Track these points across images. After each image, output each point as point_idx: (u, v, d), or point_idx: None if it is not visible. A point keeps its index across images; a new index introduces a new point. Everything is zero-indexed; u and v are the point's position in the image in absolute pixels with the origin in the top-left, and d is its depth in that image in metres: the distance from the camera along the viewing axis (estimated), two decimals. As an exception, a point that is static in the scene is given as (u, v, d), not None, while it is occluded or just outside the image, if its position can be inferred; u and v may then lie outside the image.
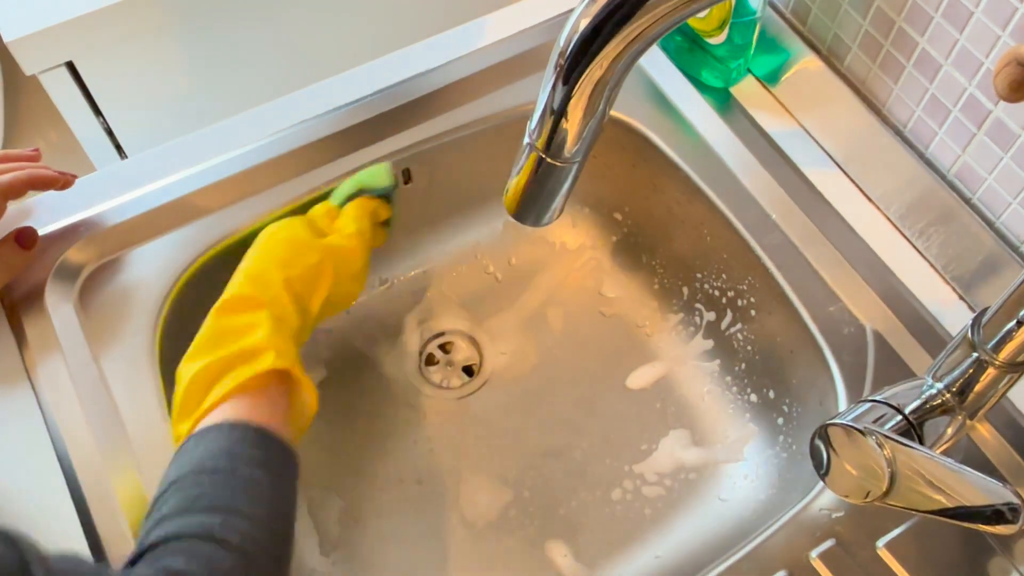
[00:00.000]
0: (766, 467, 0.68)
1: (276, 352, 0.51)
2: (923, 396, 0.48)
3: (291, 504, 0.47)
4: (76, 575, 0.38)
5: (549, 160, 0.46)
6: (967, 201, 0.60)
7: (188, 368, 0.51)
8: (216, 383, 0.50)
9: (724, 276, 0.70)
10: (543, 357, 0.75)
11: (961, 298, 0.62)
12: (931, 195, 0.61)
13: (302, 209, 0.67)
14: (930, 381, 0.49)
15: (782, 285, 0.64)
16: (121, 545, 0.53)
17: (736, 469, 0.69)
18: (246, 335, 0.52)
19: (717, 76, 0.71)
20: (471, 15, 0.75)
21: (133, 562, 0.42)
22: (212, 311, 0.54)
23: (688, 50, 0.71)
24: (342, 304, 0.61)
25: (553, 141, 0.45)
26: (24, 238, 0.60)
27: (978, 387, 0.47)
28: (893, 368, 0.60)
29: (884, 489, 0.44)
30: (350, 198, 0.66)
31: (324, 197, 0.68)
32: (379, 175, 0.67)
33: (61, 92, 0.86)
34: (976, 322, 0.46)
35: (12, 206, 0.62)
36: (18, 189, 0.59)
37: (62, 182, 0.61)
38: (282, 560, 0.44)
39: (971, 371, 0.47)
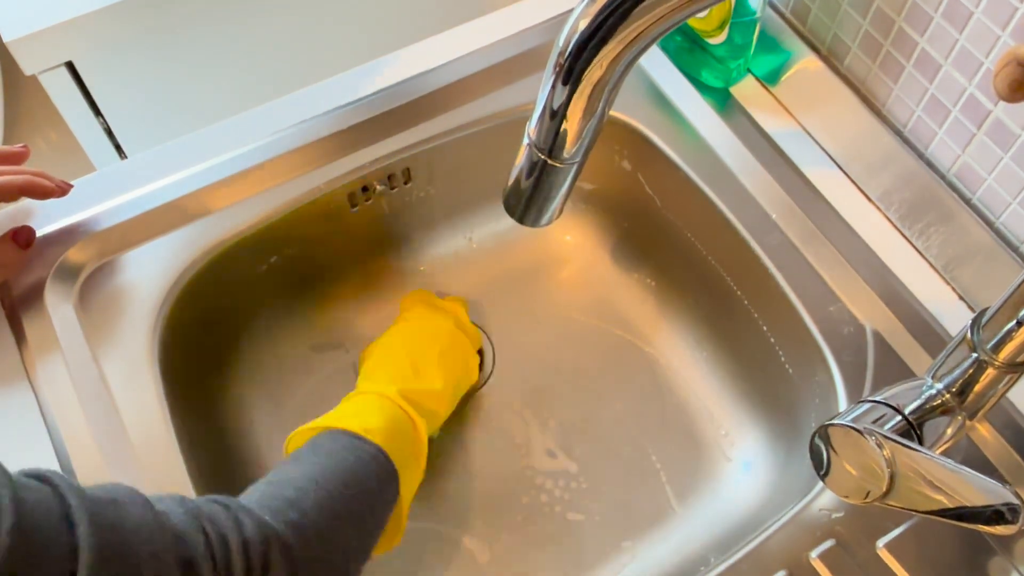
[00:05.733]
0: (766, 467, 0.68)
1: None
2: (923, 396, 0.48)
3: (368, 520, 0.51)
4: (111, 500, 0.38)
5: (549, 160, 0.46)
6: (967, 201, 0.60)
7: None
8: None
9: (724, 276, 0.70)
10: (543, 357, 0.75)
11: (961, 298, 0.62)
12: (931, 195, 0.61)
13: (303, 211, 0.67)
14: (930, 381, 0.49)
15: (782, 285, 0.64)
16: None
17: (736, 469, 0.69)
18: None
19: (717, 76, 0.71)
20: (471, 15, 0.75)
21: None
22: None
23: (688, 50, 0.71)
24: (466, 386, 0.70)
25: (553, 141, 0.44)
26: (21, 237, 0.61)
27: (978, 387, 0.47)
28: (893, 368, 0.60)
29: (884, 489, 0.44)
30: None
31: (324, 197, 0.68)
32: None
33: (61, 92, 0.86)
34: (976, 322, 0.46)
35: (10, 206, 0.62)
36: (11, 193, 0.58)
37: (59, 192, 0.61)
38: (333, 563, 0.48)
39: (971, 371, 0.47)
